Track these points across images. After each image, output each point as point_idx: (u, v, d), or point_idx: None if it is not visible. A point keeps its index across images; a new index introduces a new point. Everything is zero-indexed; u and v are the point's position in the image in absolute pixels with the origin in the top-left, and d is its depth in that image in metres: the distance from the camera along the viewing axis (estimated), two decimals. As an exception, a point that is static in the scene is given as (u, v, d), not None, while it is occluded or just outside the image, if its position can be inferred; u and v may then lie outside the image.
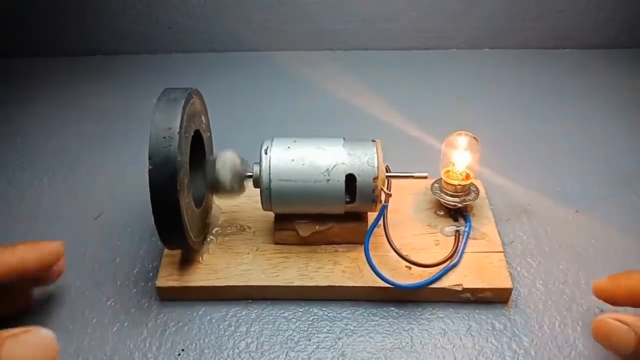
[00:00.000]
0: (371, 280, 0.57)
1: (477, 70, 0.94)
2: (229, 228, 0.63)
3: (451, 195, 0.63)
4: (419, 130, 0.80)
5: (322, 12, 0.95)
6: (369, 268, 0.56)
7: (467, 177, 0.63)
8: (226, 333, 0.56)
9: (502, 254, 0.60)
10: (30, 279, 0.52)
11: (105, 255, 0.63)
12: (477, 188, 0.65)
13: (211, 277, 0.58)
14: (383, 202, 0.57)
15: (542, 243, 0.64)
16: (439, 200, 0.64)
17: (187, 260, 0.59)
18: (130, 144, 0.79)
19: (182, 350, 0.54)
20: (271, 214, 0.60)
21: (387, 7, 0.94)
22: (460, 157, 0.63)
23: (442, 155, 0.64)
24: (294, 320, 0.57)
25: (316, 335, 0.55)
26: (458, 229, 0.62)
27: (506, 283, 0.57)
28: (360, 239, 0.59)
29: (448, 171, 0.64)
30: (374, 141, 0.58)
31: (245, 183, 0.57)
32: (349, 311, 0.57)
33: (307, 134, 0.59)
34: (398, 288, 0.56)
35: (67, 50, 0.98)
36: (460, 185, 0.63)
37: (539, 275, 0.60)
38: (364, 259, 0.56)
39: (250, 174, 0.57)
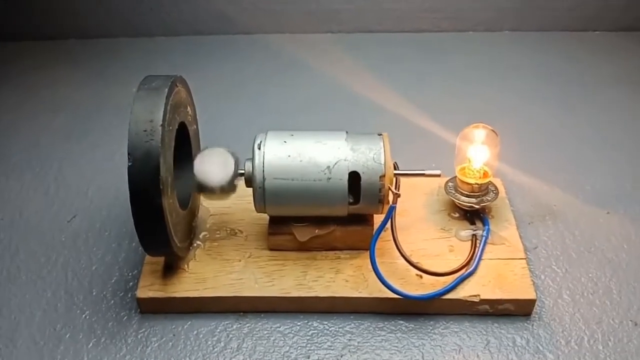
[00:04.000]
0: (377, 291, 0.57)
1: (495, 55, 0.94)
2: (218, 232, 0.63)
3: (467, 196, 0.63)
4: (431, 122, 0.79)
5: (322, -10, 0.95)
6: (375, 277, 0.56)
7: (485, 174, 0.63)
8: (215, 350, 0.55)
9: (525, 260, 0.60)
10: None
11: (79, 262, 0.63)
12: (496, 187, 0.64)
13: (198, 287, 0.57)
14: (391, 203, 0.56)
15: (569, 248, 0.64)
16: (454, 201, 0.64)
17: (171, 268, 0.59)
18: (107, 138, 0.79)
19: (166, 369, 0.54)
20: (265, 217, 0.60)
21: (395, -16, 0.95)
22: (478, 152, 0.63)
23: (457, 151, 0.64)
24: (291, 335, 0.56)
25: (316, 352, 0.55)
26: (475, 233, 0.62)
27: (529, 293, 0.57)
28: (365, 244, 0.58)
29: (464, 168, 0.64)
30: (380, 134, 0.58)
31: (236, 182, 0.57)
32: (352, 325, 0.57)
33: (306, 126, 0.59)
34: (407, 299, 0.56)
35: (37, 33, 0.97)
36: (478, 184, 0.62)
37: (565, 285, 0.60)
38: (369, 266, 0.56)
39: (242, 171, 0.57)
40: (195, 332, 0.57)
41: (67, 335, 0.57)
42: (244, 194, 0.59)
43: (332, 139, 0.57)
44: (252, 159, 0.56)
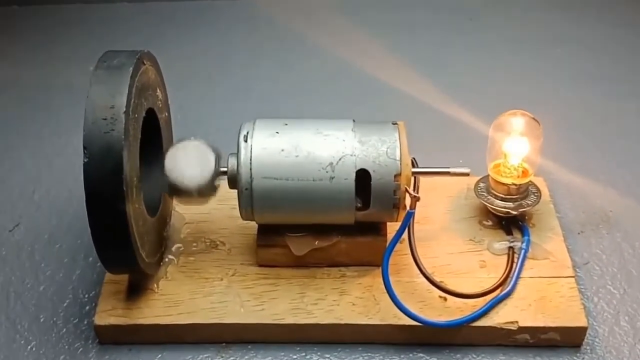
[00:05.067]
0: (391, 316, 0.56)
1: (537, 23, 0.94)
2: (195, 244, 0.63)
3: (502, 199, 0.63)
4: (458, 107, 0.80)
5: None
6: (389, 299, 0.55)
7: (525, 173, 0.63)
8: (191, 390, 0.56)
9: (573, 279, 0.60)
10: None
11: (23, 282, 0.63)
12: (538, 189, 0.64)
13: (171, 312, 0.57)
14: (408, 208, 0.56)
15: (629, 264, 0.64)
16: (486, 206, 0.64)
17: (136, 289, 0.59)
18: (57, 128, 0.79)
19: (131, 413, 0.55)
20: (253, 225, 0.60)
21: None
22: (516, 145, 0.63)
23: (490, 143, 0.64)
24: (286, 371, 0.57)
25: (316, 392, 0.56)
26: (512, 245, 0.62)
27: (579, 320, 0.57)
28: (377, 259, 0.58)
29: (498, 165, 0.64)
30: (395, 123, 0.58)
31: (217, 183, 0.57)
32: (361, 359, 0.57)
33: (303, 113, 0.59)
34: (429, 327, 0.56)
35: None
36: (515, 184, 0.62)
37: (623, 309, 0.60)
38: (382, 286, 0.56)
39: (225, 169, 0.57)
40: (166, 367, 0.57)
41: (9, 372, 0.57)
42: (226, 197, 0.59)
43: (335, 129, 0.57)
44: (237, 154, 0.56)
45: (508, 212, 0.63)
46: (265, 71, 0.87)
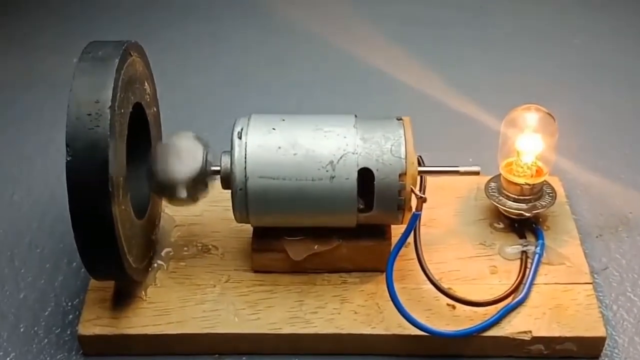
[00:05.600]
0: (396, 326, 0.57)
1: (553, 13, 0.94)
2: (186, 249, 0.63)
3: (515, 200, 0.63)
4: (468, 102, 0.80)
5: None
6: (393, 307, 0.55)
7: (539, 172, 0.63)
8: (182, 404, 0.56)
9: (591, 286, 0.60)
10: None
11: (2, 289, 0.63)
12: (553, 189, 0.64)
13: (160, 321, 0.57)
14: (414, 209, 0.56)
15: (650, 269, 0.64)
16: (497, 207, 0.64)
17: (123, 297, 0.59)
18: (38, 124, 0.79)
19: None
20: (248, 228, 0.60)
21: None
22: (529, 142, 0.63)
23: (502, 140, 0.64)
24: (283, 384, 0.57)
25: (315, 406, 0.56)
26: (525, 249, 0.62)
27: (597, 329, 0.57)
28: (381, 265, 0.58)
29: (511, 164, 0.64)
30: (400, 119, 0.58)
31: (209, 182, 0.57)
32: (363, 371, 0.57)
33: (301, 108, 0.59)
34: (436, 337, 0.56)
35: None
36: (529, 184, 0.62)
37: (645, 318, 0.61)
38: (386, 293, 0.56)
39: (217, 168, 0.57)
40: (155, 380, 0.57)
41: (-13, 385, 0.57)
42: (219, 198, 0.59)
43: (336, 125, 0.57)
44: (231, 152, 0.56)
45: (521, 214, 0.63)
46: (261, 62, 0.87)
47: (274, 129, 0.56)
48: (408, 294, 0.58)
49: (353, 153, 0.55)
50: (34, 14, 0.95)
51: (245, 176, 0.55)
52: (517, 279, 0.59)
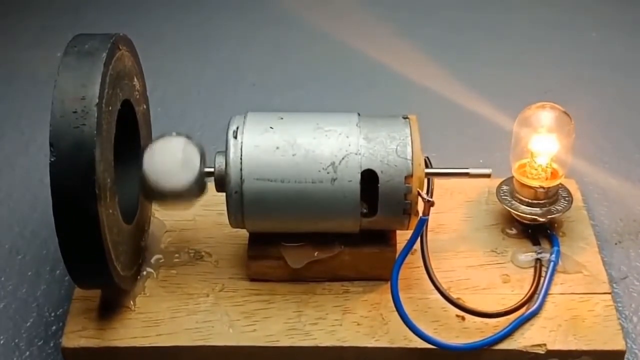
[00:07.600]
0: (402, 338, 0.56)
1: (567, 5, 0.94)
2: (177, 255, 0.63)
3: (529, 204, 0.63)
4: (477, 100, 0.80)
5: None
6: (399, 318, 0.55)
7: (554, 175, 0.63)
8: (172, 422, 0.56)
9: (610, 296, 0.59)
10: None
11: (-19, 297, 0.64)
12: (569, 193, 0.64)
13: (149, 332, 0.57)
14: (421, 214, 0.56)
15: (673, 279, 0.64)
16: (510, 212, 0.64)
17: (110, 307, 0.59)
18: (19, 122, 0.79)
19: None
20: (244, 234, 0.60)
21: None
22: (544, 143, 0.63)
23: (515, 141, 0.64)
24: (280, 401, 0.57)
25: None
26: (539, 256, 0.62)
27: (616, 342, 0.56)
28: (385, 273, 0.58)
29: (524, 165, 0.64)
30: (406, 117, 0.58)
31: (202, 185, 0.57)
32: (366, 387, 0.57)
33: (301, 106, 0.58)
34: (445, 350, 0.56)
35: None
36: (543, 187, 0.62)
37: (667, 330, 0.61)
38: (391, 304, 0.56)
39: (211, 170, 0.57)
40: (144, 396, 0.57)
41: (-36, 401, 0.57)
42: (213, 202, 0.59)
43: (338, 124, 0.57)
44: (226, 153, 0.56)
45: (535, 219, 0.63)
46: (258, 57, 0.87)
47: (271, 127, 0.56)
48: (414, 304, 0.58)
49: (356, 154, 0.55)
50: (15, 5, 0.95)
51: (241, 178, 0.55)
52: (530, 289, 0.59)
